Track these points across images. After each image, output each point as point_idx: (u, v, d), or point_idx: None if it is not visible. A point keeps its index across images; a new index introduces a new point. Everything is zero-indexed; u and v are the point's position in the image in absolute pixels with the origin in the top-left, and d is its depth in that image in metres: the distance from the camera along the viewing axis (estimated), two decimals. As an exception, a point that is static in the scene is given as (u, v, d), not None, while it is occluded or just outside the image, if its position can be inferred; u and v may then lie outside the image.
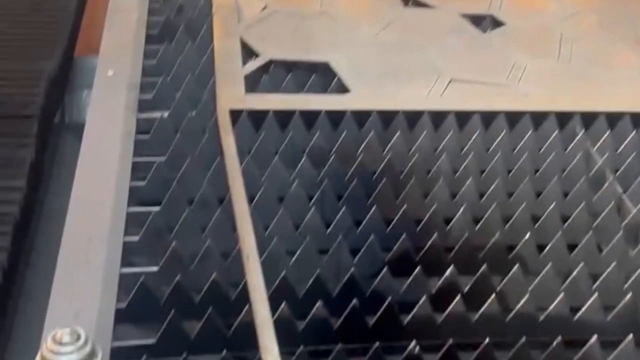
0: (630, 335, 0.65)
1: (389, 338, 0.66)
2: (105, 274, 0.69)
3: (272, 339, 0.56)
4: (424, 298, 0.67)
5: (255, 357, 0.61)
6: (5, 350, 0.74)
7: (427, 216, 0.77)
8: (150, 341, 0.65)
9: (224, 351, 0.62)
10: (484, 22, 1.14)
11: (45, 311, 0.65)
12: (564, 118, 0.92)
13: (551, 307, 0.68)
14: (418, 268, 0.71)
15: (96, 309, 0.65)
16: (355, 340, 0.66)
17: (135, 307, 0.68)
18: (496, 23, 1.14)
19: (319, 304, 0.67)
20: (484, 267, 0.71)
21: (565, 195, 0.83)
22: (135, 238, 0.74)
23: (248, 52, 1.01)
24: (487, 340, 0.64)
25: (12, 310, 0.74)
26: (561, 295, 0.69)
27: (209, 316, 0.65)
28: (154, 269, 0.71)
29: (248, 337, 0.64)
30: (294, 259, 0.72)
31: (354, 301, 0.67)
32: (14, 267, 0.74)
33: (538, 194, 0.83)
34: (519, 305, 0.68)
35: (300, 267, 0.72)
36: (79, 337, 0.61)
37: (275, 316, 0.64)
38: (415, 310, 0.67)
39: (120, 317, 0.66)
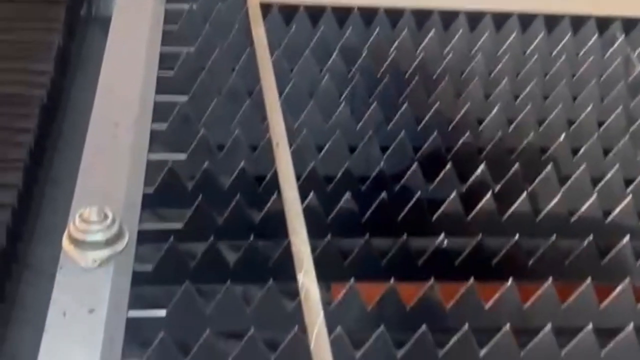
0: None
1: (417, 233, 0.65)
2: (132, 159, 0.68)
3: (301, 223, 0.56)
4: (454, 194, 0.67)
5: (283, 243, 0.61)
6: (31, 236, 0.74)
7: (459, 116, 0.76)
8: (177, 226, 0.65)
9: (252, 237, 0.62)
10: None
11: (71, 198, 0.65)
12: (603, 23, 0.89)
13: (583, 209, 0.67)
14: (449, 165, 0.70)
15: (123, 192, 0.65)
16: (383, 233, 0.66)
17: (163, 192, 0.67)
18: None
19: (347, 195, 0.66)
20: (516, 166, 0.69)
21: (602, 100, 0.81)
22: (163, 126, 0.73)
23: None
24: (516, 237, 0.63)
25: (38, 195, 0.74)
26: (594, 197, 0.68)
27: (237, 203, 0.65)
28: (182, 156, 0.71)
29: (276, 224, 0.63)
30: (323, 152, 0.71)
31: (383, 194, 0.66)
32: (41, 149, 0.73)
33: (574, 98, 0.81)
34: (550, 205, 0.67)
35: (329, 161, 0.71)
36: (106, 217, 0.61)
37: (303, 206, 0.63)
38: (444, 206, 0.67)
39: (148, 202, 0.66)
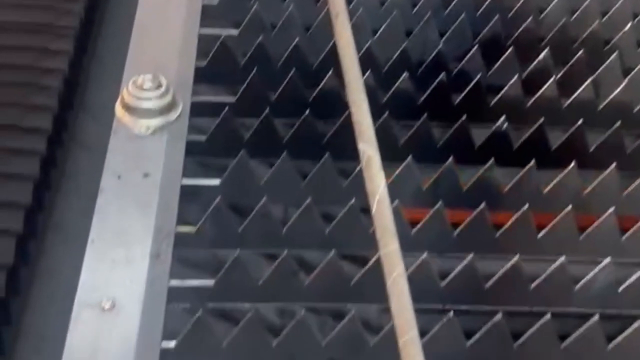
0: None
1: (475, 117, 0.63)
2: (183, 33, 0.66)
3: (362, 95, 0.54)
4: (515, 78, 0.64)
5: (339, 120, 0.60)
6: (79, 111, 0.73)
7: (520, 2, 0.73)
8: (230, 99, 0.64)
9: (307, 112, 0.61)
10: None
11: (117, 77, 0.64)
12: None
13: (648, 98, 0.65)
14: (510, 50, 0.67)
15: (176, 64, 0.63)
16: (440, 116, 0.64)
17: (215, 66, 0.66)
18: None
19: (404, 75, 0.64)
20: (580, 53, 0.67)
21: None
22: (214, 1, 0.71)
23: None
24: (579, 122, 0.62)
25: (84, 78, 0.72)
26: (660, 87, 0.66)
27: (291, 78, 0.63)
28: (234, 32, 0.69)
29: (331, 99, 0.62)
30: (378, 33, 0.69)
31: (441, 76, 0.64)
32: (90, 20, 0.71)
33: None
34: (614, 94, 0.65)
35: (385, 43, 0.69)
36: (160, 85, 0.59)
37: (360, 84, 0.61)
38: (505, 90, 0.65)
39: (200, 75, 0.64)
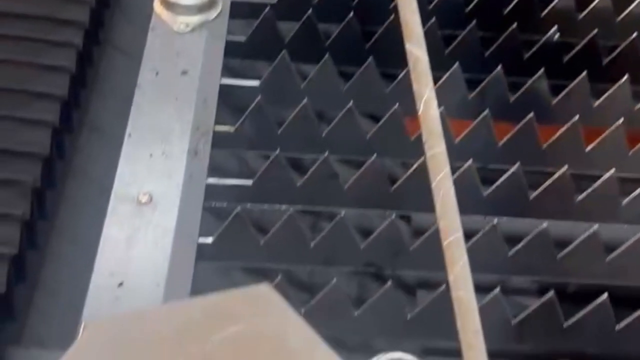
0: None
1: (525, 27, 0.61)
2: None
3: (413, 11, 0.52)
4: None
5: (383, 25, 0.58)
6: (115, 9, 0.71)
7: None
8: (271, 0, 0.62)
9: (351, 15, 0.58)
10: None
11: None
12: None
13: None
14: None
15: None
16: (489, 26, 0.62)
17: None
18: None
19: (453, -19, 0.62)
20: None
21: None
22: None
23: None
24: (633, 35, 0.59)
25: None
26: None
27: (335, -20, 0.61)
28: None
29: (376, 2, 0.60)
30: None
31: (491, -16, 0.62)
32: None
33: None
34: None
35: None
36: (200, -19, 0.58)
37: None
38: (557, 0, 0.62)
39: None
